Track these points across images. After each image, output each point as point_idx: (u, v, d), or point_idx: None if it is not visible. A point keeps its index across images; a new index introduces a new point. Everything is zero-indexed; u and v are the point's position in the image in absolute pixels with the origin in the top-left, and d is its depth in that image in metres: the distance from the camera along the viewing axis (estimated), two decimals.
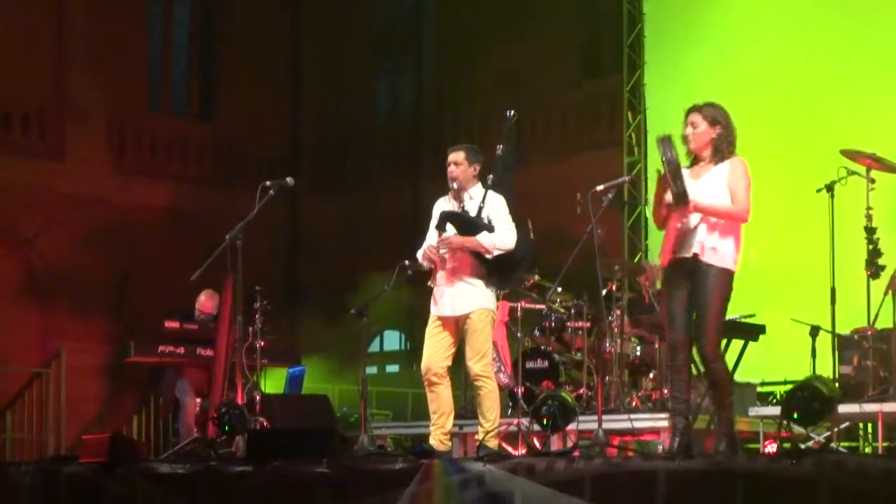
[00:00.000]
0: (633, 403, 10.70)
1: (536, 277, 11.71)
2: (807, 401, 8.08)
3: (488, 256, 8.50)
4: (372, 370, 20.22)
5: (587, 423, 9.30)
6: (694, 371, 8.37)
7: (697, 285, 7.46)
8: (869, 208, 9.35)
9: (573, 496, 6.68)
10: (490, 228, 8.49)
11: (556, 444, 9.37)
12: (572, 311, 11.42)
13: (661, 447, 9.60)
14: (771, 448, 9.62)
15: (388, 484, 7.46)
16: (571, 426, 9.10)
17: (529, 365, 11.23)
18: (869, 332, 9.56)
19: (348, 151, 21.92)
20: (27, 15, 19.12)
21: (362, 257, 18.45)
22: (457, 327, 8.56)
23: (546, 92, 19.14)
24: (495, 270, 8.57)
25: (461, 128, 19.34)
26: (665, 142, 7.44)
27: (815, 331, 9.64)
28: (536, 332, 11.73)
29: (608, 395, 10.41)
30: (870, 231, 9.32)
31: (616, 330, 11.01)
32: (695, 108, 7.64)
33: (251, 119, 21.10)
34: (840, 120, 12.34)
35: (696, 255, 7.46)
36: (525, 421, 9.79)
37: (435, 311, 8.62)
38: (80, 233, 18.97)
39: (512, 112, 9.03)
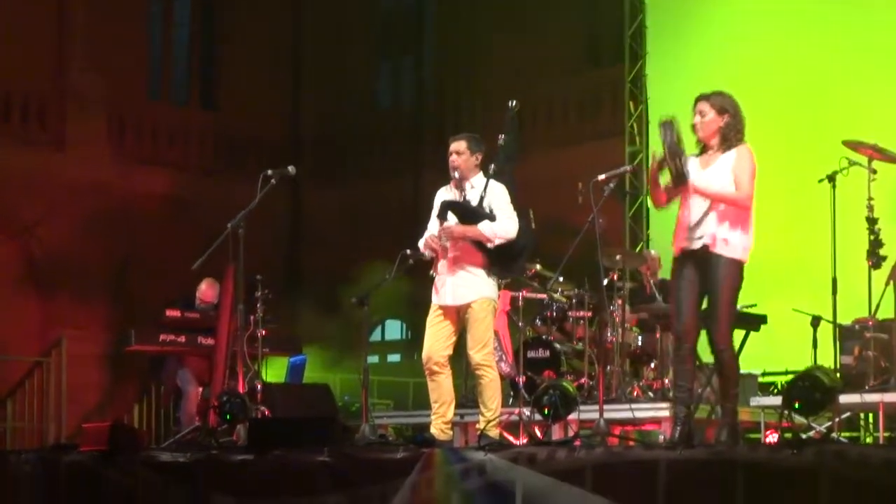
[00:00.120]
0: (635, 393, 10.69)
1: (538, 267, 11.70)
2: (808, 391, 8.09)
3: (490, 246, 8.48)
4: (373, 359, 20.26)
5: (588, 412, 9.31)
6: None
7: (708, 275, 7.45)
8: (870, 199, 9.35)
9: (574, 485, 6.69)
10: (491, 218, 8.48)
11: (557, 433, 9.38)
12: (574, 300, 11.41)
13: (662, 437, 9.61)
14: (772, 438, 9.63)
15: (390, 473, 7.47)
16: (573, 416, 9.11)
17: (531, 354, 11.23)
18: (870, 323, 9.56)
19: (350, 140, 21.91)
20: (28, 2, 19.11)
21: (363, 246, 18.43)
22: (458, 316, 8.55)
23: (548, 82, 19.15)
24: (497, 260, 8.55)
25: (463, 117, 19.33)
26: (667, 126, 7.42)
27: (816, 321, 9.64)
28: (538, 322, 11.73)
29: (609, 384, 10.41)
30: (871, 221, 9.32)
31: (617, 319, 11.01)
32: (703, 97, 7.62)
33: (252, 107, 21.10)
34: (842, 110, 12.33)
35: (706, 246, 7.45)
36: (526, 410, 9.80)
37: (436, 300, 8.61)
38: (80, 221, 18.97)
39: (514, 102, 9.01)
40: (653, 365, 11.17)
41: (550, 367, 11.17)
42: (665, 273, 11.76)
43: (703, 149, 7.65)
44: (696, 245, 7.50)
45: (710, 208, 7.48)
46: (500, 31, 19.61)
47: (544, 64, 19.16)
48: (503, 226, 8.49)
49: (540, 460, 6.90)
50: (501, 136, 8.88)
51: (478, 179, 8.64)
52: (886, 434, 9.29)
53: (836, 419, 8.95)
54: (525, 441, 9.78)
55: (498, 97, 10.78)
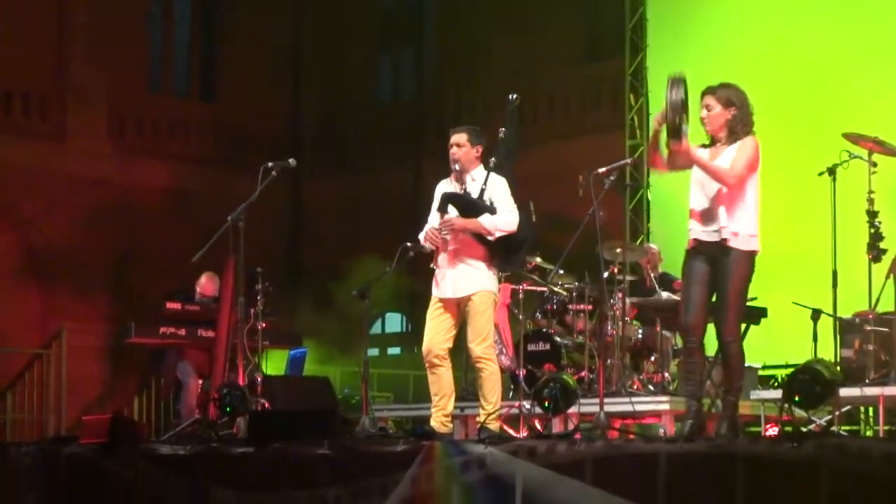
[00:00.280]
0: (635, 386, 10.68)
1: (538, 260, 11.70)
2: (808, 384, 8.09)
3: (490, 238, 8.48)
4: (373, 352, 20.27)
5: (589, 405, 9.32)
6: None
7: (719, 266, 7.43)
8: (871, 192, 9.34)
9: (574, 479, 6.68)
10: (492, 210, 8.47)
11: (557, 426, 9.38)
12: (574, 293, 11.40)
13: (662, 430, 9.61)
14: (772, 431, 9.62)
15: (390, 466, 7.46)
16: (573, 409, 9.11)
17: (531, 347, 11.22)
18: (870, 316, 9.56)
19: (350, 133, 21.91)
20: (29, 2, 19.10)
21: (364, 239, 18.43)
22: (458, 309, 8.55)
23: (548, 75, 19.14)
24: (497, 252, 8.55)
25: (463, 111, 19.33)
26: (675, 81, 7.32)
27: (816, 314, 9.65)
28: (538, 315, 11.73)
29: (609, 377, 10.40)
30: (871, 215, 9.31)
31: (618, 313, 11.00)
32: (709, 91, 7.55)
33: (253, 100, 21.09)
34: (842, 103, 12.34)
35: (720, 240, 7.40)
36: (527, 403, 9.79)
37: (436, 292, 8.61)
38: (80, 213, 18.97)
39: (514, 95, 9.00)
40: (653, 358, 11.17)
41: (551, 360, 11.17)
42: (665, 266, 11.78)
43: (712, 141, 7.61)
44: (709, 238, 7.46)
45: (719, 202, 7.42)
46: (501, 25, 19.60)
47: (545, 57, 19.15)
48: (504, 218, 8.48)
49: (540, 453, 6.89)
50: (502, 130, 8.87)
51: (478, 172, 8.63)
52: (886, 427, 9.29)
53: (837, 412, 8.95)
54: (525, 434, 9.78)
55: (498, 90, 10.78)
